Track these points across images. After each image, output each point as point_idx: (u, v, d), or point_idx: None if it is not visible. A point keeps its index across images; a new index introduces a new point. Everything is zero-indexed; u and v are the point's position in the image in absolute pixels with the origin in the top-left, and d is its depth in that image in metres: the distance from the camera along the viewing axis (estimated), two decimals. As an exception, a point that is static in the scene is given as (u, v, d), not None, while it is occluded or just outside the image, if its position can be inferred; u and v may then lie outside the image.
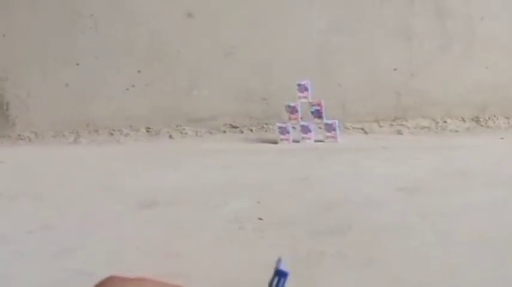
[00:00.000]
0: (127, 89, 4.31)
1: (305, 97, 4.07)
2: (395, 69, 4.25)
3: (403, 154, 3.66)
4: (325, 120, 4.06)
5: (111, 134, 4.31)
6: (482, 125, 4.25)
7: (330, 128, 4.06)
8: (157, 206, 2.84)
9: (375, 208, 2.68)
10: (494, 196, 2.78)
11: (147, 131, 4.32)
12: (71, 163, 3.79)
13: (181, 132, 4.29)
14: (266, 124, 4.29)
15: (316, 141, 4.05)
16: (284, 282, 1.11)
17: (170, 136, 4.27)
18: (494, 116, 4.27)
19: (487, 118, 4.27)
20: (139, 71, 4.31)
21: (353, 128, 4.28)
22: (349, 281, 1.99)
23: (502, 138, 4.01)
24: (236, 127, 4.32)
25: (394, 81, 4.26)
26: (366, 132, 4.26)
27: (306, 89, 4.06)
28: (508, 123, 4.25)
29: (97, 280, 2.04)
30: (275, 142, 4.02)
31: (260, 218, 2.60)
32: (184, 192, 3.01)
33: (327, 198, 2.83)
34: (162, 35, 4.30)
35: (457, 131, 4.22)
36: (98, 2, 4.30)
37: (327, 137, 4.05)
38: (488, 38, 4.19)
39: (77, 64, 4.32)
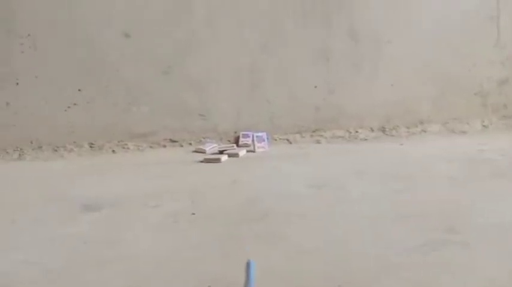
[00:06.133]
0: (69, 107, 4.49)
1: (263, 147, 4.58)
2: (315, 87, 4.80)
3: (319, 159, 4.27)
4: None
5: (55, 150, 4.47)
6: (387, 134, 4.93)
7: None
8: (100, 208, 3.16)
9: (288, 200, 3.23)
10: (387, 188, 3.42)
11: (90, 147, 4.53)
12: (15, 176, 3.99)
13: (123, 147, 4.54)
14: (204, 138, 4.68)
15: (248, 151, 4.53)
16: (250, 271, 1.18)
17: (113, 151, 4.52)
18: (397, 126, 4.96)
19: (391, 128, 4.95)
20: (79, 90, 4.51)
21: (280, 139, 4.80)
22: (265, 255, 2.45)
23: (402, 144, 4.72)
24: (176, 141, 4.66)
25: (315, 98, 4.82)
26: (290, 143, 4.79)
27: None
28: (408, 132, 4.96)
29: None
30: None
31: (193, 213, 3.02)
32: (125, 196, 3.36)
33: (250, 195, 3.32)
34: (100, 54, 4.50)
35: (366, 139, 4.87)
36: (35, 22, 4.39)
37: (258, 147, 4.56)
38: (393, 59, 4.86)
39: (17, 83, 4.43)
